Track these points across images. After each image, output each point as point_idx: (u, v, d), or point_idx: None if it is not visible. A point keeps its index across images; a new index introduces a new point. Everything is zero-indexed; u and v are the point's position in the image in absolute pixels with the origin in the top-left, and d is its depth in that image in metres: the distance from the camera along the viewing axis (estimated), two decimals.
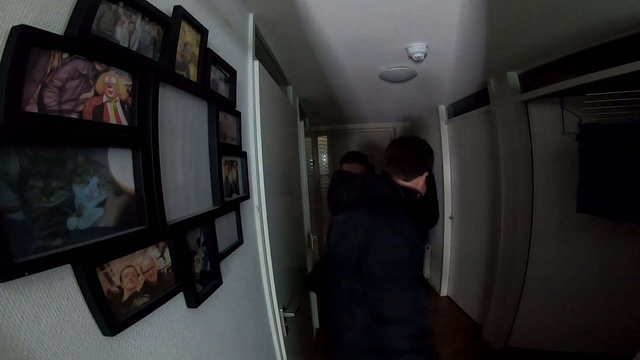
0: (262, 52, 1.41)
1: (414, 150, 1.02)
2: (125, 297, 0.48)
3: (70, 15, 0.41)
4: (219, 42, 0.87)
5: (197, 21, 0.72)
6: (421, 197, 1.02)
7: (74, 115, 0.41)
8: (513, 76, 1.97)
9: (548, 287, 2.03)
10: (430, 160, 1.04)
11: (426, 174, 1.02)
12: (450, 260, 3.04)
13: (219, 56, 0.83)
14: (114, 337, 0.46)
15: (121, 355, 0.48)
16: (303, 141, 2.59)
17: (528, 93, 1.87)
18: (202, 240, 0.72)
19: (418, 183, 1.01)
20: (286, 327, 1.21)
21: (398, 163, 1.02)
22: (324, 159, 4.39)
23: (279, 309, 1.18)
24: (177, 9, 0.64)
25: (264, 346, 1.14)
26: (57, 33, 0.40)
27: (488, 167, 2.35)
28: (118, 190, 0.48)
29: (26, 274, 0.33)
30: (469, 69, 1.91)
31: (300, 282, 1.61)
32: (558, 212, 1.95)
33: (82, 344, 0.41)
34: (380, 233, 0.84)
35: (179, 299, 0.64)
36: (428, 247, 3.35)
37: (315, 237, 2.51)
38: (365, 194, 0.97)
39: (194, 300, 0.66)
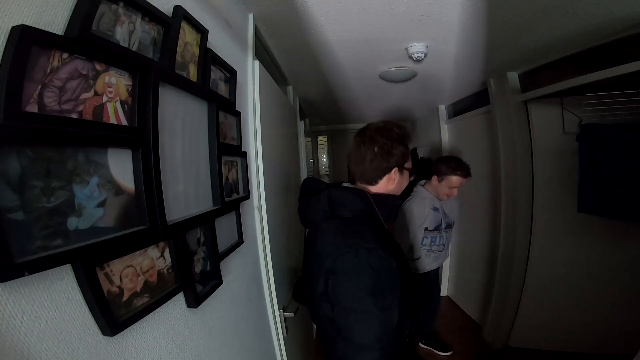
0: (262, 52, 1.41)
1: (372, 145, 0.86)
2: (125, 297, 0.48)
3: (70, 15, 0.41)
4: (219, 42, 0.87)
5: (197, 21, 0.72)
6: (398, 199, 0.89)
7: (74, 115, 0.41)
8: (513, 76, 1.97)
9: (548, 287, 2.03)
10: (400, 150, 0.86)
11: (395, 169, 0.85)
12: (450, 260, 3.04)
13: (219, 56, 0.83)
14: (114, 337, 0.45)
15: (121, 355, 0.48)
16: (303, 141, 2.59)
17: (528, 93, 1.87)
18: (202, 240, 0.72)
19: (388, 184, 0.87)
20: (286, 327, 1.21)
21: (357, 164, 0.88)
22: (324, 159, 4.39)
23: (279, 309, 1.17)
24: (177, 9, 0.64)
25: (264, 346, 1.14)
26: (57, 33, 0.40)
27: (488, 167, 2.35)
28: (118, 190, 0.48)
29: (26, 274, 0.33)
30: (469, 69, 1.91)
31: None
32: (558, 212, 1.94)
33: (82, 344, 0.41)
34: (345, 263, 0.73)
35: (179, 299, 0.64)
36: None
37: None
38: (334, 211, 0.83)
39: (194, 300, 0.66)
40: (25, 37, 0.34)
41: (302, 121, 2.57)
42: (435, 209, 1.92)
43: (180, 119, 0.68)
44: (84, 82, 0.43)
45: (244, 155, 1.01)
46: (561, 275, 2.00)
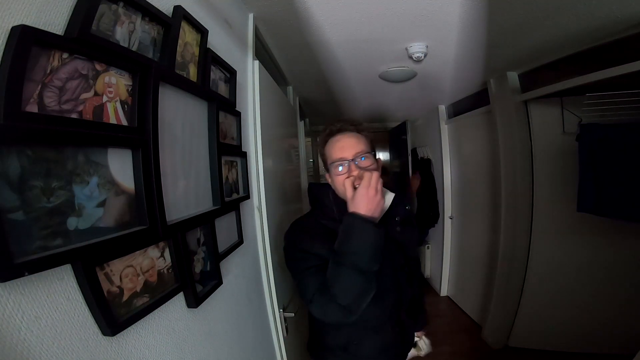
0: (262, 52, 1.40)
1: None
2: (125, 297, 0.48)
3: (70, 15, 0.41)
4: (219, 42, 0.87)
5: (197, 21, 0.72)
6: (332, 195, 0.89)
7: (74, 115, 0.41)
8: (513, 76, 1.97)
9: (548, 287, 2.03)
10: (323, 147, 0.88)
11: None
12: (450, 261, 3.04)
13: (219, 56, 0.83)
14: (114, 337, 0.46)
15: (121, 355, 0.48)
16: (303, 141, 2.59)
17: (528, 93, 1.87)
18: (202, 240, 0.72)
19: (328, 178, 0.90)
20: (286, 327, 1.21)
21: None
22: None
23: (279, 309, 1.17)
24: (177, 9, 0.64)
25: (264, 346, 1.14)
26: (57, 33, 0.40)
27: (488, 167, 2.35)
28: (118, 190, 0.48)
29: (26, 274, 0.33)
30: (469, 69, 1.91)
31: None
32: (558, 212, 1.94)
33: (82, 344, 0.41)
34: None
35: (179, 299, 0.64)
36: (428, 247, 3.35)
37: None
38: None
39: (194, 300, 0.66)
40: (25, 37, 0.34)
41: (302, 121, 2.57)
42: None
43: (180, 119, 0.68)
44: (84, 82, 0.43)
45: (244, 155, 1.01)
46: (561, 275, 2.00)
